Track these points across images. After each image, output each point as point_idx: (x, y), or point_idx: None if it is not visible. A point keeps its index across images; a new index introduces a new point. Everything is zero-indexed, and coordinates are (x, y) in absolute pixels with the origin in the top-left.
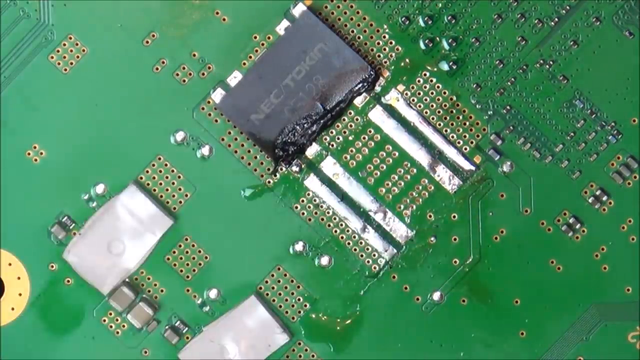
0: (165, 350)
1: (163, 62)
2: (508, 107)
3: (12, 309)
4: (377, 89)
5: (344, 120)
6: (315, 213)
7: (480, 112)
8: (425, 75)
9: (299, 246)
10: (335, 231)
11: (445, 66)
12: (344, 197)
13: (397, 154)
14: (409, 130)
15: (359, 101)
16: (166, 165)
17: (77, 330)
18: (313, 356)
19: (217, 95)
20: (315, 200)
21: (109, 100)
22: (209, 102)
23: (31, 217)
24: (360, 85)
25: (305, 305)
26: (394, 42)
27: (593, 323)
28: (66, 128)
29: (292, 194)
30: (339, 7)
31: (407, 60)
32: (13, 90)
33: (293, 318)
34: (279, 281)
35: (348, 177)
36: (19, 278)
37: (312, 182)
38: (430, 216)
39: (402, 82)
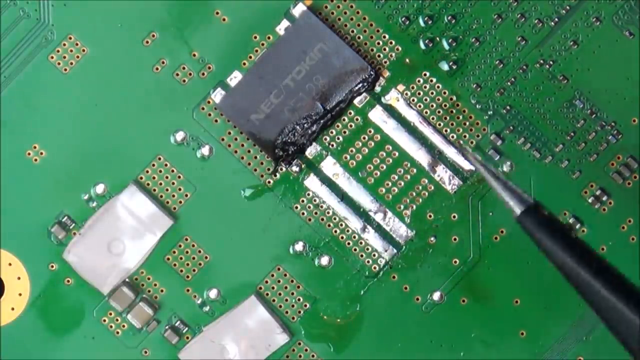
0: (165, 350)
1: (163, 62)
2: (508, 107)
3: (12, 309)
4: (377, 89)
5: (344, 120)
6: (315, 213)
7: (480, 112)
8: (425, 75)
9: (299, 246)
10: (335, 231)
11: (445, 66)
12: (344, 197)
13: (397, 154)
14: (409, 130)
15: (359, 101)
16: (166, 165)
17: (77, 330)
18: (313, 356)
19: (217, 95)
20: (315, 200)
21: (109, 100)
22: (209, 102)
23: (31, 217)
24: (360, 85)
25: (305, 305)
26: (394, 42)
27: (593, 323)
28: (66, 128)
29: (292, 194)
30: (339, 7)
31: (407, 60)
32: (13, 90)
33: (293, 318)
34: (279, 281)
35: (348, 177)
36: (19, 278)
37: (312, 182)
38: (430, 216)
39: (402, 82)
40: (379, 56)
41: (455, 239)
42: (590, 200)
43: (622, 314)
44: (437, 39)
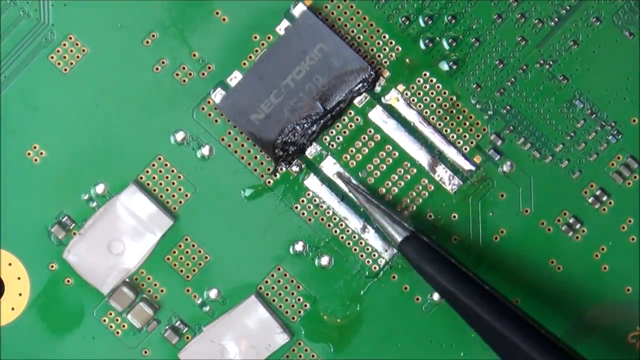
0: (165, 350)
1: (163, 62)
2: (508, 107)
3: (12, 309)
4: (377, 89)
5: (344, 120)
6: (315, 213)
7: (480, 112)
8: (425, 75)
9: (299, 246)
10: (335, 231)
11: (445, 66)
12: (344, 197)
13: (397, 154)
14: (409, 130)
15: (359, 101)
16: (166, 165)
17: (77, 330)
18: (313, 356)
19: (217, 95)
20: (315, 200)
21: (109, 100)
22: (209, 102)
23: (31, 217)
24: (360, 85)
25: (305, 305)
26: (394, 42)
27: (593, 323)
28: (66, 128)
29: (292, 194)
30: (339, 7)
31: (407, 60)
32: (13, 90)
33: (293, 318)
34: (279, 281)
35: (348, 177)
36: (19, 278)
37: (312, 182)
38: (430, 216)
39: (402, 82)
40: (379, 56)
41: (455, 239)
42: (590, 200)
43: (501, 335)
44: (437, 39)
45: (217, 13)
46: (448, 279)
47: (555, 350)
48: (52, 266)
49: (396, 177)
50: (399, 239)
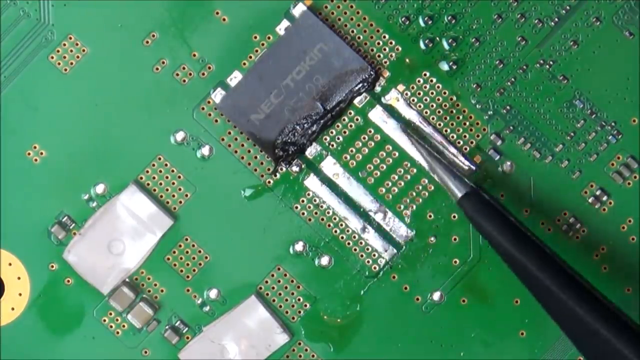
0: (165, 350)
1: (163, 62)
2: (508, 107)
3: (12, 309)
4: (377, 89)
5: (344, 120)
6: (315, 213)
7: (480, 112)
8: (425, 75)
9: (299, 246)
10: (335, 231)
11: (445, 66)
12: (345, 198)
13: (397, 154)
14: (409, 130)
15: (359, 101)
16: (166, 165)
17: (77, 330)
18: (313, 356)
19: (217, 95)
20: (315, 200)
21: (109, 100)
22: (209, 102)
23: (31, 217)
24: (360, 85)
25: (305, 305)
26: (394, 42)
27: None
28: (66, 128)
29: (292, 194)
30: (339, 7)
31: (407, 60)
32: (13, 90)
33: (293, 318)
34: (279, 281)
35: (348, 177)
36: (19, 278)
37: (312, 182)
38: (430, 216)
39: (402, 82)
40: (379, 56)
41: (455, 239)
42: (590, 200)
43: (557, 298)
44: (437, 39)
45: (217, 13)
46: (507, 238)
47: (611, 316)
48: (52, 266)
49: (396, 177)
50: (459, 194)
